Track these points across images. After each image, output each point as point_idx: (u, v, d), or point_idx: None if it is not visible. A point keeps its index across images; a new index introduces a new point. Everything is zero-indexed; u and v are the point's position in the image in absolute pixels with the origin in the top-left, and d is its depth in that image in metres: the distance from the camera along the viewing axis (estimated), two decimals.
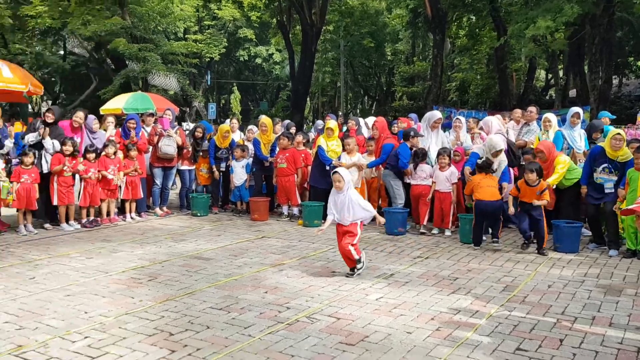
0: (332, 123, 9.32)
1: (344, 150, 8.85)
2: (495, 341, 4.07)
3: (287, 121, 11.89)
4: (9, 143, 7.88)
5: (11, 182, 7.76)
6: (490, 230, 7.38)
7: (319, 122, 12.56)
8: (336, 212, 5.82)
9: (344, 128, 11.20)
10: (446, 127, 11.02)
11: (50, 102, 28.69)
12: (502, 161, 7.56)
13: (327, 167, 8.87)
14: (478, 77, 25.43)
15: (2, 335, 4.11)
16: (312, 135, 11.44)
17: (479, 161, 7.44)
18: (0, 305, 4.78)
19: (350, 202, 5.71)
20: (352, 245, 5.72)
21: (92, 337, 4.09)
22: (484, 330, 4.29)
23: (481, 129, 8.76)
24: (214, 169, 9.79)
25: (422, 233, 8.10)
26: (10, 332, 4.17)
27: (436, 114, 9.22)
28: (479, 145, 8.08)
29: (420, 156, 8.35)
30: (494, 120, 8.49)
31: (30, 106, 25.64)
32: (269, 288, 5.36)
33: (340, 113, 23.61)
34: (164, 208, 9.77)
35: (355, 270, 5.80)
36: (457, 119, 9.50)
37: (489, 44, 22.21)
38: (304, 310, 4.72)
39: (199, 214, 9.57)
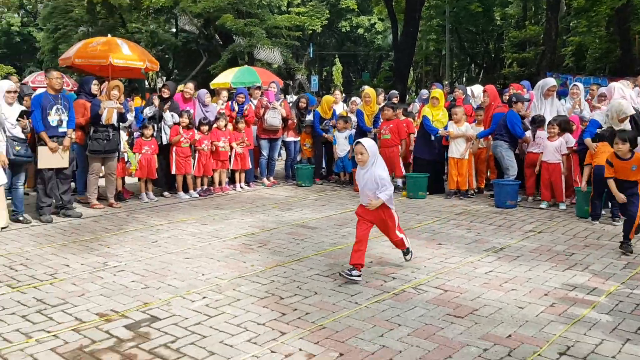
0: (437, 92, 9.08)
1: (450, 119, 8.62)
2: (615, 320, 3.83)
3: (393, 91, 11.76)
4: (130, 117, 8.45)
5: (133, 153, 8.36)
6: (610, 205, 6.87)
7: (424, 91, 12.29)
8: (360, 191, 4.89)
9: (450, 97, 10.88)
10: (561, 95, 10.36)
11: (164, 78, 30.39)
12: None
13: (432, 138, 8.70)
14: (597, 40, 23.50)
15: (130, 293, 4.49)
16: (416, 105, 11.24)
17: (599, 131, 6.93)
18: (127, 266, 5.21)
19: (373, 179, 4.69)
20: (399, 231, 5.00)
21: (210, 297, 4.36)
22: (602, 308, 4.06)
23: (601, 96, 8.14)
24: (325, 135, 9.94)
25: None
26: (137, 291, 4.54)
27: (550, 81, 8.70)
28: (599, 112, 7.52)
29: (538, 122, 7.95)
30: (617, 86, 7.84)
31: (146, 82, 27.32)
32: (374, 258, 5.40)
33: (445, 82, 22.90)
34: (271, 178, 10.11)
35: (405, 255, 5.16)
36: (575, 85, 8.92)
37: (610, 4, 20.35)
38: (410, 281, 4.71)
39: (303, 185, 9.79)
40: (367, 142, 4.77)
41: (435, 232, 6.43)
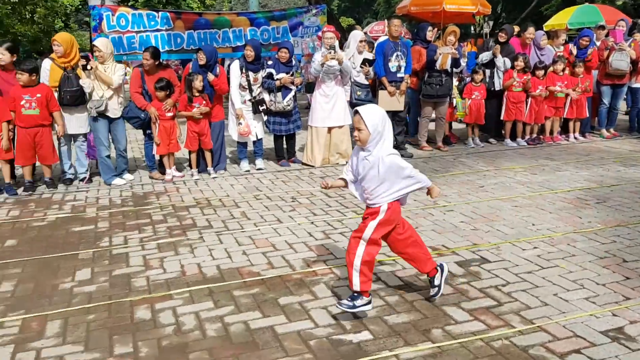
0: None
1: None
2: None
3: None
4: (462, 62, 8.50)
5: (463, 98, 8.45)
6: None
7: None
8: (354, 179, 3.34)
9: None
10: None
11: (491, 23, 29.56)
12: None
13: None
14: None
15: (459, 232, 4.64)
16: None
17: None
18: (456, 207, 5.38)
19: (379, 168, 3.12)
20: (365, 242, 3.16)
21: (541, 248, 4.20)
22: None
23: None
24: None
25: None
26: (466, 231, 4.66)
27: None
28: None
29: None
30: None
31: (473, 27, 27.03)
32: None
33: None
34: (611, 130, 9.04)
35: (434, 290, 3.37)
36: None
37: None
38: None
39: None
40: (367, 113, 3.10)
41: None
